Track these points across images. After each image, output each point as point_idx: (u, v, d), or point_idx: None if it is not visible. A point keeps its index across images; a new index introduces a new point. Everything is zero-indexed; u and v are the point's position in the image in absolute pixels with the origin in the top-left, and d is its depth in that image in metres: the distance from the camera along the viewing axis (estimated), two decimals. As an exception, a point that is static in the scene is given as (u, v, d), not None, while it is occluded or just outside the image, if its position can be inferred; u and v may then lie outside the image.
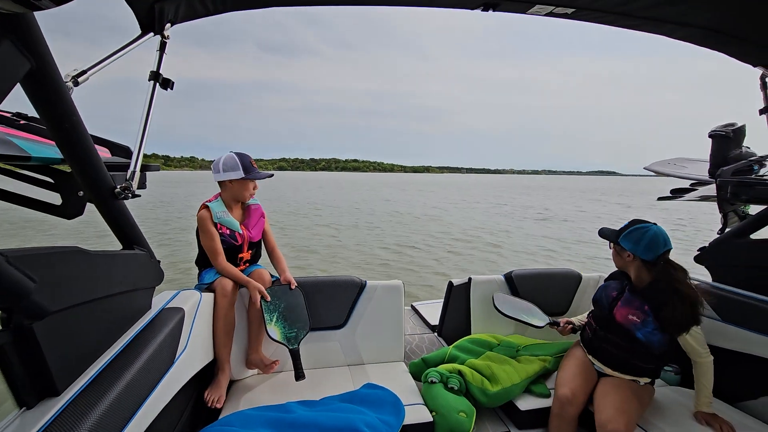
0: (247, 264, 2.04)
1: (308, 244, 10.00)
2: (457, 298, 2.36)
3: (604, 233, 1.76)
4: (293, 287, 2.01)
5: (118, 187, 1.19)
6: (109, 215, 1.22)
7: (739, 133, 1.97)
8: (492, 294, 2.23)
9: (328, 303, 2.02)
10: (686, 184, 2.32)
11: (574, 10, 1.44)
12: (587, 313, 1.92)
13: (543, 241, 11.02)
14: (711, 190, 2.09)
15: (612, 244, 1.73)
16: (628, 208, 23.23)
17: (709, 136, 2.06)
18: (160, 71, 1.33)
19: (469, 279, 2.26)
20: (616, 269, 1.80)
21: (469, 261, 8.34)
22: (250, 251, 2.02)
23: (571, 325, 1.92)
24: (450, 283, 2.42)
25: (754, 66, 1.66)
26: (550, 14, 1.48)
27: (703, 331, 1.85)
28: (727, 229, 1.95)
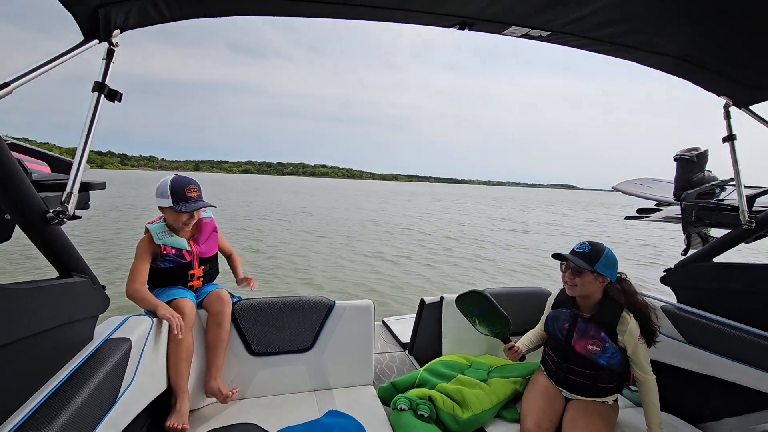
0: (201, 281, 1.88)
1: (274, 254, 9.55)
2: (429, 316, 2.29)
3: (575, 261, 1.64)
4: (253, 287, 1.98)
5: (51, 210, 1.02)
6: (40, 242, 1.06)
7: (702, 157, 2.04)
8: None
9: (294, 325, 1.89)
10: (652, 203, 2.38)
11: (548, 33, 1.46)
12: (536, 333, 1.89)
13: (521, 254, 11.13)
14: (675, 211, 2.16)
15: (583, 272, 1.63)
16: (594, 222, 24.27)
17: (674, 159, 2.12)
18: (107, 82, 1.17)
19: (441, 298, 2.20)
20: (559, 294, 1.82)
21: (446, 275, 8.13)
22: (203, 267, 1.87)
23: (518, 353, 1.79)
24: (422, 301, 2.35)
25: (718, 95, 1.71)
26: (525, 36, 1.49)
27: (667, 351, 1.88)
28: (691, 251, 2.00)
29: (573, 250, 1.68)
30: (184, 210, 1.75)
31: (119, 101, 1.20)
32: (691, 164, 2.05)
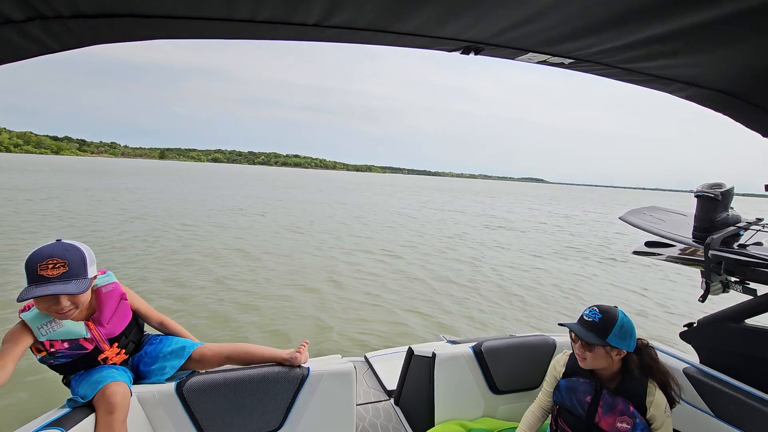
0: (126, 354, 1.51)
1: (224, 278, 6.97)
2: (418, 371, 1.99)
3: (581, 334, 1.42)
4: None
5: None
6: None
7: (727, 195, 1.82)
8: (458, 370, 1.91)
9: (260, 403, 1.54)
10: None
11: (571, 61, 1.22)
12: (539, 410, 1.66)
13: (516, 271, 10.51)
14: (695, 253, 1.94)
15: (594, 346, 1.41)
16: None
17: (696, 196, 1.89)
18: None
19: (433, 354, 1.89)
20: (572, 358, 1.58)
21: (433, 301, 6.69)
22: (117, 344, 1.47)
23: None
24: (410, 351, 2.04)
25: (764, 136, 1.47)
26: (543, 63, 1.27)
27: (689, 422, 1.66)
28: (711, 303, 1.78)
29: (581, 317, 1.46)
30: (22, 298, 1.22)
31: None
32: (714, 203, 1.83)
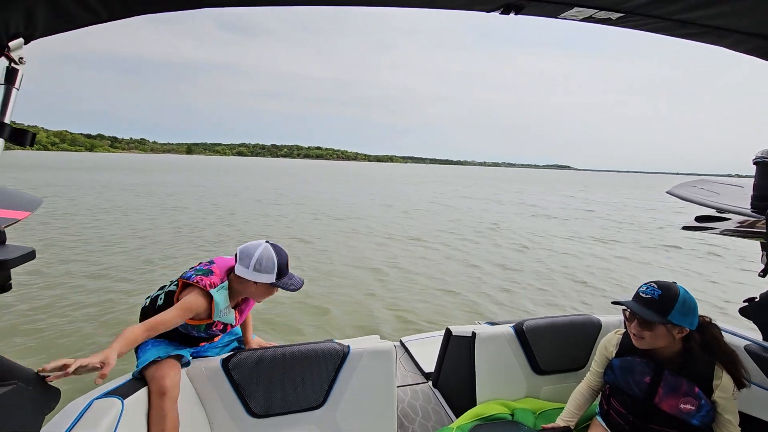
0: None
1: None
2: (458, 351, 1.95)
3: (642, 313, 1.33)
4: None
5: None
6: None
7: None
8: (498, 350, 1.86)
9: (303, 379, 1.56)
10: (712, 210, 2.02)
11: (620, 15, 1.10)
12: (588, 390, 1.60)
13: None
14: (754, 225, 1.80)
15: (654, 325, 1.32)
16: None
17: (755, 162, 1.75)
18: (7, 119, 0.77)
19: (473, 334, 1.85)
20: (625, 337, 1.50)
21: (474, 286, 6.69)
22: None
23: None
24: (448, 332, 2.00)
25: None
26: (589, 19, 1.16)
27: (754, 402, 1.55)
28: None
29: (637, 294, 1.37)
30: (291, 288, 1.57)
31: (31, 144, 0.81)
32: (777, 169, 1.68)
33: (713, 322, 1.41)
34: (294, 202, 17.94)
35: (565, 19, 1.17)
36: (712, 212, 2.02)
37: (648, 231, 13.79)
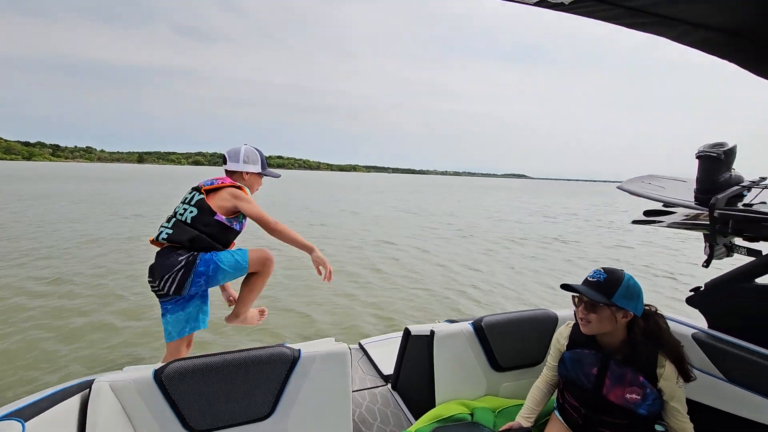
0: None
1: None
2: (416, 351, 1.88)
3: (588, 293, 1.35)
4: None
5: None
6: None
7: (730, 154, 1.76)
8: (457, 348, 1.81)
9: (248, 388, 1.41)
10: (659, 205, 2.10)
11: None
12: (545, 385, 1.60)
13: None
14: (698, 217, 1.88)
15: (598, 307, 1.34)
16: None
17: (697, 156, 1.83)
18: None
19: (432, 332, 1.79)
20: (575, 329, 1.51)
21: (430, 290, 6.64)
22: None
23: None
24: (406, 332, 1.93)
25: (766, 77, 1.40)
26: (541, 3, 1.13)
27: (701, 389, 1.59)
28: (718, 268, 1.72)
29: (586, 279, 1.39)
30: (272, 174, 2.20)
31: None
32: (717, 162, 1.76)
33: (658, 312, 1.43)
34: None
35: (516, 2, 1.14)
36: (659, 206, 2.10)
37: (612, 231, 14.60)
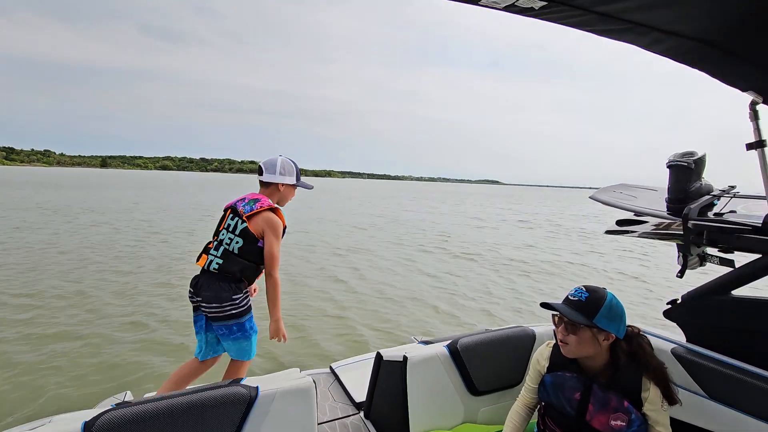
0: None
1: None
2: (389, 377, 1.76)
3: (567, 314, 1.29)
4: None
5: None
6: None
7: (700, 163, 1.75)
8: (432, 373, 1.69)
9: (202, 428, 1.23)
10: (630, 214, 2.08)
11: (544, 4, 1.03)
12: (524, 409, 1.51)
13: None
14: (670, 227, 1.86)
15: (579, 328, 1.27)
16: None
17: (668, 166, 1.81)
18: None
19: (405, 358, 1.66)
20: (555, 351, 1.43)
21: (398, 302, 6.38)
22: None
23: None
24: (378, 356, 1.80)
25: (743, 91, 1.38)
26: (510, 8, 1.07)
27: (683, 408, 1.54)
28: (694, 281, 1.69)
29: (566, 297, 1.32)
30: (307, 186, 2.27)
31: None
32: (688, 172, 1.75)
33: (642, 333, 1.36)
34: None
35: (486, 6, 1.06)
36: (631, 216, 2.08)
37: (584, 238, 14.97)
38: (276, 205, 2.09)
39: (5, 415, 3.01)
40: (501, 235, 15.05)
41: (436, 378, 1.70)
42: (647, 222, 1.98)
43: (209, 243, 2.17)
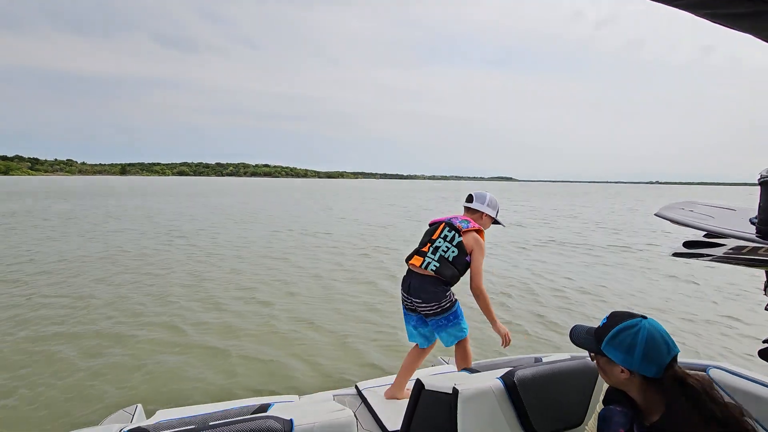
0: None
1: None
2: (434, 411, 1.59)
3: (579, 338, 1.24)
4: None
5: None
6: None
7: None
8: (486, 411, 1.51)
9: None
10: (700, 235, 1.85)
11: None
12: None
13: None
14: (757, 251, 1.64)
15: (596, 356, 1.20)
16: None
17: (760, 183, 1.58)
18: None
19: (455, 391, 1.49)
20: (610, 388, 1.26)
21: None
22: None
23: None
24: (419, 384, 1.64)
25: None
26: None
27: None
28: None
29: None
30: (502, 224, 2.61)
31: None
32: (785, 190, 1.52)
33: (682, 373, 1.10)
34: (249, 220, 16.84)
35: None
36: (701, 237, 1.85)
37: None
38: (479, 226, 2.42)
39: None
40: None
41: (490, 415, 1.52)
42: (724, 245, 1.75)
43: (423, 246, 2.45)
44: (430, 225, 2.55)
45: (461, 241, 2.34)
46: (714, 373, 1.65)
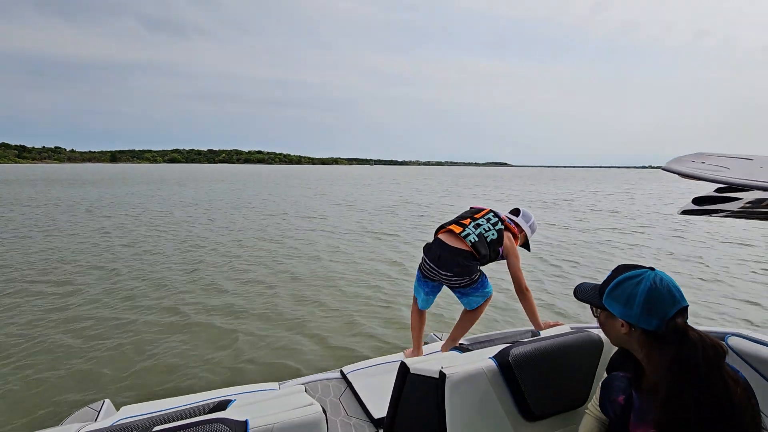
0: None
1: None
2: (419, 395, 1.42)
3: (583, 292, 1.17)
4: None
5: None
6: None
7: None
8: (477, 393, 1.35)
9: None
10: (710, 190, 1.68)
11: None
12: (591, 427, 1.18)
13: None
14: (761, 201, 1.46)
15: (596, 310, 1.13)
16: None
17: None
18: None
19: (442, 375, 1.31)
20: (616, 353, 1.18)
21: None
22: None
23: None
24: (404, 367, 1.46)
25: None
26: None
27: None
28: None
29: None
30: (528, 248, 2.64)
31: None
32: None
33: (686, 325, 0.95)
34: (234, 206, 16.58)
35: None
36: (712, 193, 1.68)
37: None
38: (517, 235, 2.48)
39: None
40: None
41: (482, 400, 1.35)
42: (739, 198, 1.57)
43: (463, 219, 2.39)
44: (471, 209, 2.55)
45: (502, 230, 2.36)
46: (733, 341, 1.50)
